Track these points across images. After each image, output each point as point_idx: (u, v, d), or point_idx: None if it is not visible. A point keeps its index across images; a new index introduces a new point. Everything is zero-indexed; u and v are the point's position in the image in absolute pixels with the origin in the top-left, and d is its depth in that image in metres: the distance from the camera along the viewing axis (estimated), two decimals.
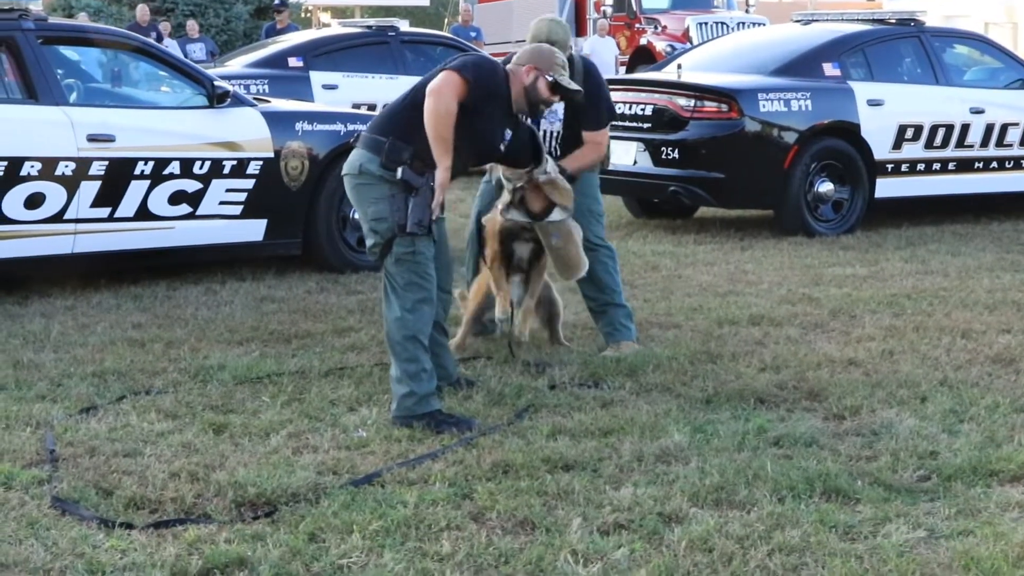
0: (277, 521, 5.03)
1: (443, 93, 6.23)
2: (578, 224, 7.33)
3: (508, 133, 6.63)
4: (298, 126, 9.98)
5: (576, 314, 8.31)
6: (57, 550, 4.74)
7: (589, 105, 7.39)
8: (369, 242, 6.48)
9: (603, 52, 24.59)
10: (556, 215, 7.19)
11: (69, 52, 10.34)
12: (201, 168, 9.39)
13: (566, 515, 5.08)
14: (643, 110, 12.09)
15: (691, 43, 25.18)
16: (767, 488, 5.34)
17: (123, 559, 4.68)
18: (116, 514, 5.10)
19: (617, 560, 4.67)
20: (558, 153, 7.53)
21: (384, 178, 6.33)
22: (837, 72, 12.33)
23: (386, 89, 15.32)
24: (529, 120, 7.00)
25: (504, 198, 7.30)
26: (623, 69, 26.30)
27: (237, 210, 9.64)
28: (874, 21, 13.28)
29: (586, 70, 7.45)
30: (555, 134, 7.61)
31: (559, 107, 7.37)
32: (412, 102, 6.43)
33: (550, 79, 6.61)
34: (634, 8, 28.99)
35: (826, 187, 12.07)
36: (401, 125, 6.40)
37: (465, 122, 6.28)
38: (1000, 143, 12.94)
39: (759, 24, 25.37)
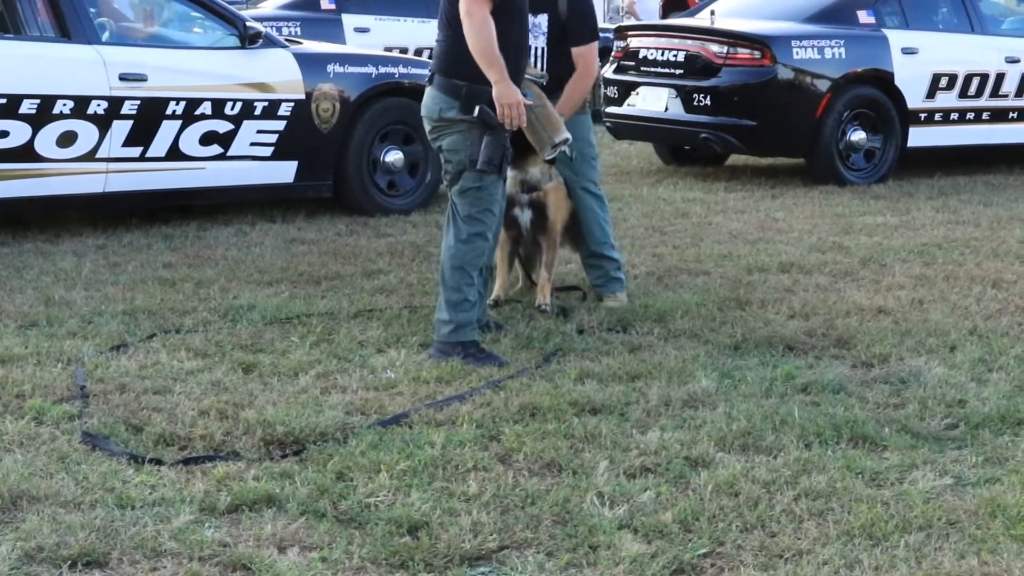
0: (305, 459, 5.06)
1: (472, 12, 6.14)
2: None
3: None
4: (330, 68, 9.97)
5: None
6: (87, 484, 4.78)
7: (577, 18, 7.20)
8: (444, 169, 6.49)
9: (649, 0, 24.26)
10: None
11: None
12: (232, 109, 9.40)
13: (593, 458, 5.10)
14: (675, 56, 12.02)
15: None
16: (794, 434, 5.34)
17: (152, 494, 4.72)
18: (146, 450, 5.14)
19: (643, 503, 4.68)
20: (544, 70, 7.21)
21: (464, 120, 6.30)
22: (871, 19, 12.22)
23: (418, 32, 15.26)
24: None
25: None
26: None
27: (268, 151, 9.65)
28: None
29: None
30: (540, 51, 7.30)
31: (543, 19, 7.19)
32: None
33: None
34: None
35: (858, 136, 12.00)
36: (475, 66, 6.23)
37: (503, 16, 6.20)
38: None
39: None
